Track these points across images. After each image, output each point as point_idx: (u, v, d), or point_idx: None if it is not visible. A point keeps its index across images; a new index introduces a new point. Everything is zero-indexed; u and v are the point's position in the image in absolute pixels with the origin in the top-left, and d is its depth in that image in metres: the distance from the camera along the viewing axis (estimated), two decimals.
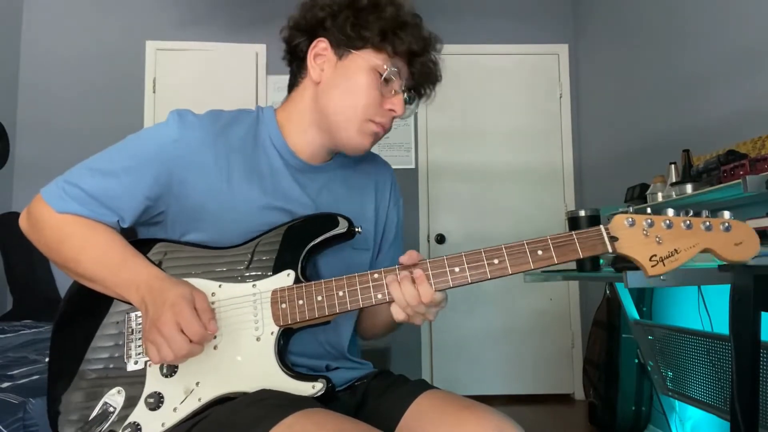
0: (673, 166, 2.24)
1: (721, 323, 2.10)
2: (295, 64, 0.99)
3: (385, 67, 0.91)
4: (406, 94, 0.95)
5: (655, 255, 0.81)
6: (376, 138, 0.96)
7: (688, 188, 2.02)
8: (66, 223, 0.88)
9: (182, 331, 0.78)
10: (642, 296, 2.58)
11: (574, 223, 2.57)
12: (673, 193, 2.09)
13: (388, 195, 1.11)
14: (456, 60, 3.80)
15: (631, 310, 2.46)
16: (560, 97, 3.86)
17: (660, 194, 2.19)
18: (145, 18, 3.73)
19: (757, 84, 2.07)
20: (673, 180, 2.19)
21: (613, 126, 3.34)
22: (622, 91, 3.20)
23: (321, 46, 0.94)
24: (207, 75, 3.71)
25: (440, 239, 3.74)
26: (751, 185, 1.59)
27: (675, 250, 0.81)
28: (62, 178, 0.90)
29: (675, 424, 2.45)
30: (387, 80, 0.92)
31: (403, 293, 0.81)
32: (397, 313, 0.83)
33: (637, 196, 2.45)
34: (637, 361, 2.62)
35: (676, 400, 2.38)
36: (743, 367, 1.44)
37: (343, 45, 0.92)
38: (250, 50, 3.73)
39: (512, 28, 3.88)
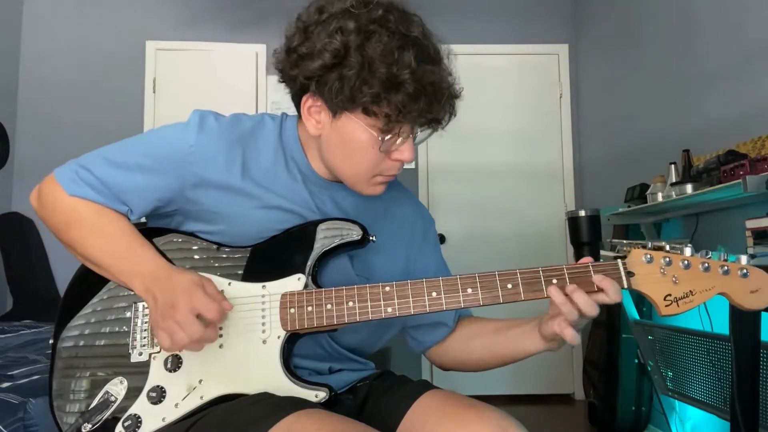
0: (673, 166, 2.24)
1: (721, 323, 2.10)
2: (295, 103, 0.91)
3: (382, 128, 0.82)
4: (416, 133, 0.87)
5: (670, 295, 0.82)
6: (387, 183, 0.93)
7: (688, 188, 2.02)
8: (76, 206, 0.88)
9: (196, 316, 0.79)
10: (642, 296, 2.57)
11: (574, 223, 2.57)
12: (673, 193, 2.09)
13: (410, 227, 1.05)
14: (456, 60, 3.79)
15: (631, 310, 2.46)
16: (560, 97, 3.86)
17: (660, 194, 2.19)
18: (145, 18, 3.73)
19: (757, 84, 2.07)
20: (673, 180, 2.19)
21: (613, 126, 3.34)
22: (622, 91, 3.20)
23: (312, 100, 0.86)
24: (207, 75, 3.71)
25: (440, 239, 3.74)
26: (751, 185, 1.59)
27: (690, 291, 0.82)
28: (76, 162, 0.90)
29: (675, 424, 2.45)
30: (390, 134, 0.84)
31: (578, 303, 0.80)
32: (570, 333, 0.81)
33: (637, 196, 2.45)
34: (637, 361, 2.62)
35: (676, 400, 2.38)
36: (743, 367, 1.44)
37: (333, 106, 0.83)
38: (250, 50, 3.73)
39: (512, 28, 3.88)
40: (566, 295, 0.81)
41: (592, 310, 0.80)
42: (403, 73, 0.78)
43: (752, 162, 1.69)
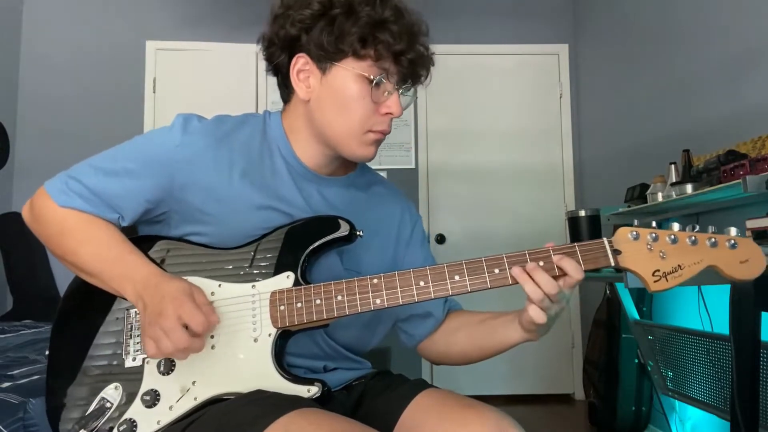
0: (673, 166, 2.24)
1: (721, 323, 2.10)
2: (280, 78, 0.96)
3: (371, 73, 0.88)
4: (400, 90, 0.92)
5: (659, 270, 0.80)
6: (379, 144, 0.95)
7: (688, 188, 2.02)
8: (67, 217, 0.89)
9: (183, 326, 0.78)
10: (642, 296, 2.58)
11: (574, 223, 2.57)
12: (673, 193, 2.09)
13: (397, 223, 1.06)
14: (456, 60, 3.80)
15: (631, 310, 2.46)
16: (560, 97, 3.86)
17: (660, 194, 2.19)
18: (145, 18, 3.73)
19: (757, 84, 2.07)
20: (673, 180, 2.19)
21: (613, 126, 3.34)
22: (622, 91, 3.20)
23: (301, 62, 0.91)
24: (207, 75, 3.71)
25: (440, 239, 3.74)
26: (751, 185, 1.59)
27: (679, 265, 0.80)
28: (66, 173, 0.91)
29: (675, 424, 2.45)
30: (378, 84, 0.89)
31: (539, 282, 0.81)
32: (534, 309, 0.82)
33: (637, 196, 2.45)
34: (637, 361, 2.62)
35: (676, 400, 2.38)
36: (743, 367, 1.44)
37: (323, 59, 0.89)
38: (250, 50, 3.73)
39: (512, 28, 3.88)
40: (528, 273, 0.82)
41: (551, 288, 0.81)
42: (385, 12, 0.87)
43: (752, 162, 1.69)
